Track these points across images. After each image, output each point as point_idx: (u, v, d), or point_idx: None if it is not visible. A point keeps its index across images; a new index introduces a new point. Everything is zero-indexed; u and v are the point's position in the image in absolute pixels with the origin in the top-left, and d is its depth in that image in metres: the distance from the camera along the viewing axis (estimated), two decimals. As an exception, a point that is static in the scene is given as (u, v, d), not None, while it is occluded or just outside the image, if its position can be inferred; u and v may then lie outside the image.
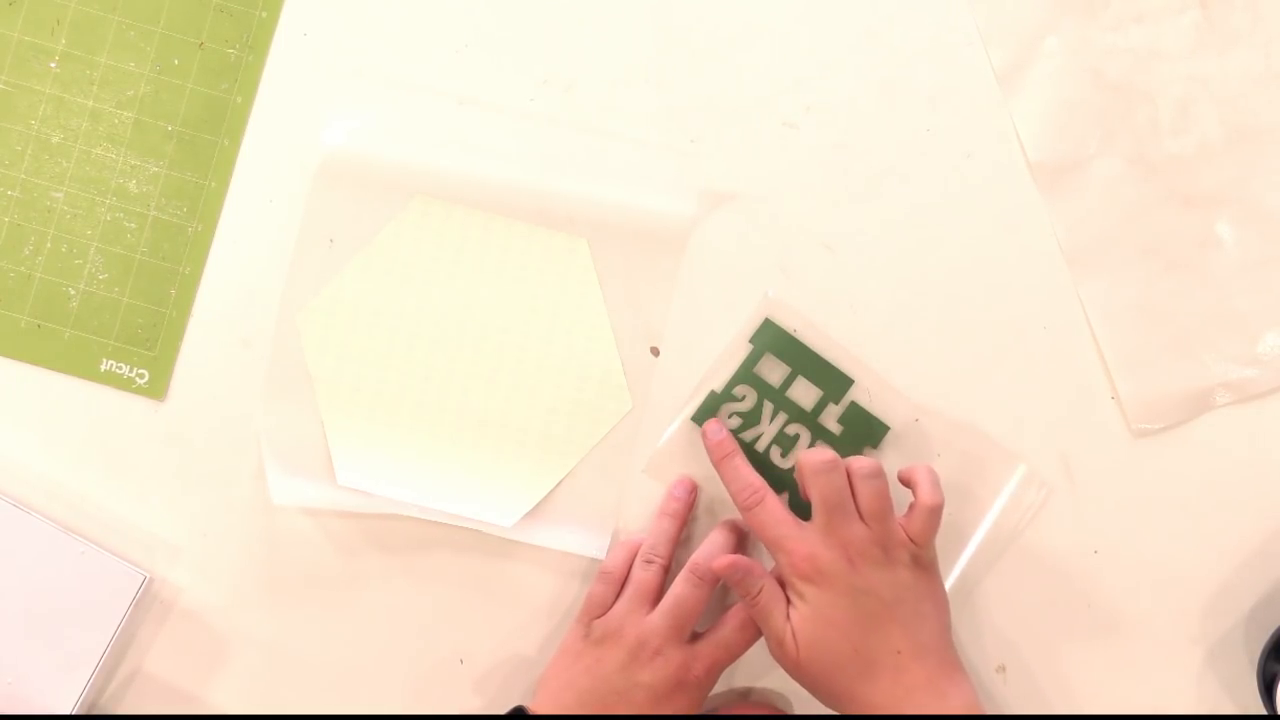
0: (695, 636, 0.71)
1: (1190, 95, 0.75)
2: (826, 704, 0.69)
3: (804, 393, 0.75)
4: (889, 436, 0.75)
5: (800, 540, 0.68)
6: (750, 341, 0.75)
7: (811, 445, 0.75)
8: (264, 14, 0.77)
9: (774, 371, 0.75)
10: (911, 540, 0.68)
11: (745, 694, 0.76)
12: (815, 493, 0.68)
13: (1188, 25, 0.76)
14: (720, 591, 0.75)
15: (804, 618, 0.67)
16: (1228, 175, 0.75)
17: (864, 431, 0.75)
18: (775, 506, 0.70)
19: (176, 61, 0.76)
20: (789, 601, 0.68)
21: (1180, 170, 0.75)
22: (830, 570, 0.67)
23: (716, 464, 0.73)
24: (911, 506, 0.69)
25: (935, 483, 0.69)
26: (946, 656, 0.68)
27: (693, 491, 0.75)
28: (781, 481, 0.75)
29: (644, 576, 0.72)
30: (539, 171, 0.76)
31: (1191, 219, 0.75)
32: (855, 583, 0.67)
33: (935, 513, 0.69)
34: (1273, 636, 0.72)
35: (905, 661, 0.67)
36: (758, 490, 0.70)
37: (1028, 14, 0.76)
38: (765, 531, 0.69)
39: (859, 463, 0.69)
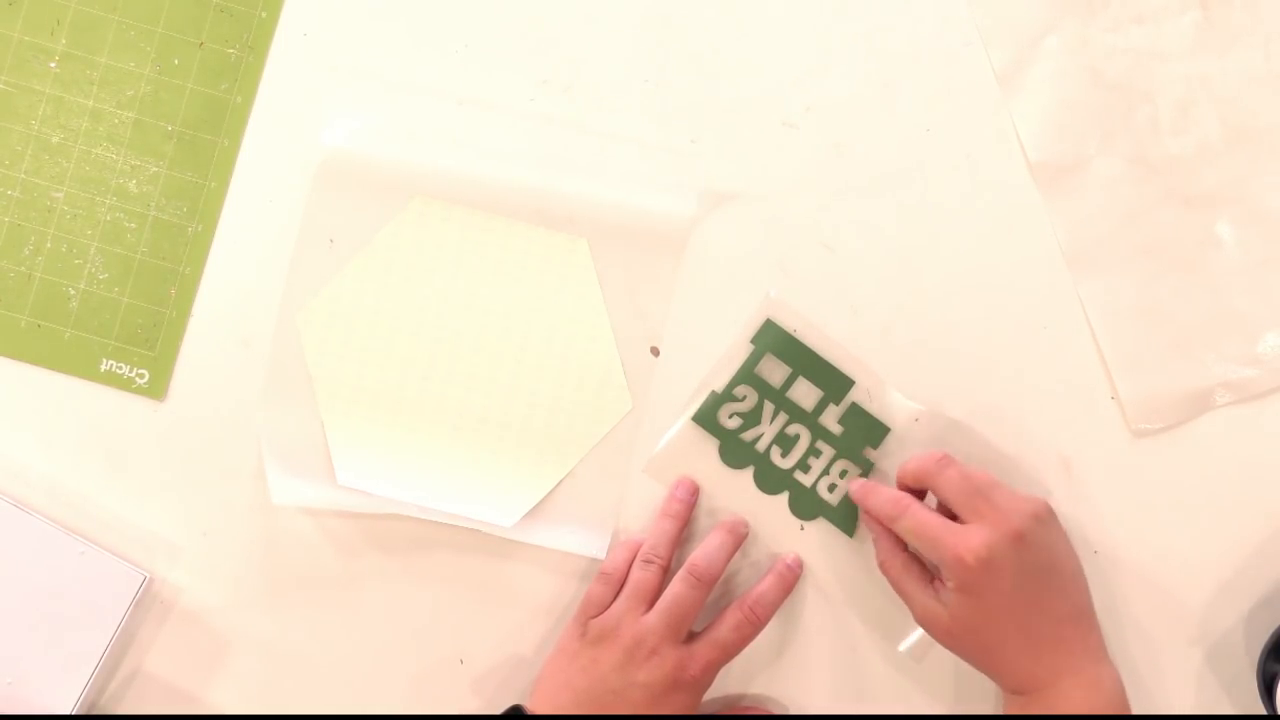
0: (691, 636, 0.71)
1: (1190, 95, 0.75)
2: (975, 667, 0.69)
3: (805, 393, 0.75)
4: (889, 437, 0.75)
5: (962, 535, 0.66)
6: (751, 342, 0.75)
7: (811, 445, 0.75)
8: (264, 14, 0.77)
9: (775, 372, 0.75)
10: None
11: (743, 694, 0.76)
12: (947, 489, 0.68)
13: (1188, 25, 0.75)
14: (717, 591, 0.75)
15: (970, 609, 0.66)
16: (1228, 175, 0.75)
17: (864, 432, 0.75)
18: (922, 510, 0.69)
19: (176, 61, 0.76)
20: (943, 586, 0.68)
21: (1180, 170, 0.75)
22: (999, 559, 0.66)
23: (859, 499, 0.73)
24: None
25: None
26: (1094, 617, 0.68)
27: (694, 493, 0.75)
28: (782, 482, 0.75)
29: (643, 577, 0.72)
30: (539, 172, 0.76)
31: (1191, 219, 0.75)
32: (1023, 562, 0.66)
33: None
34: (1273, 636, 0.72)
35: (1066, 631, 0.67)
36: (900, 500, 0.70)
37: (1028, 14, 0.76)
38: (923, 533, 0.68)
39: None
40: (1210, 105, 0.75)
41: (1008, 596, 0.66)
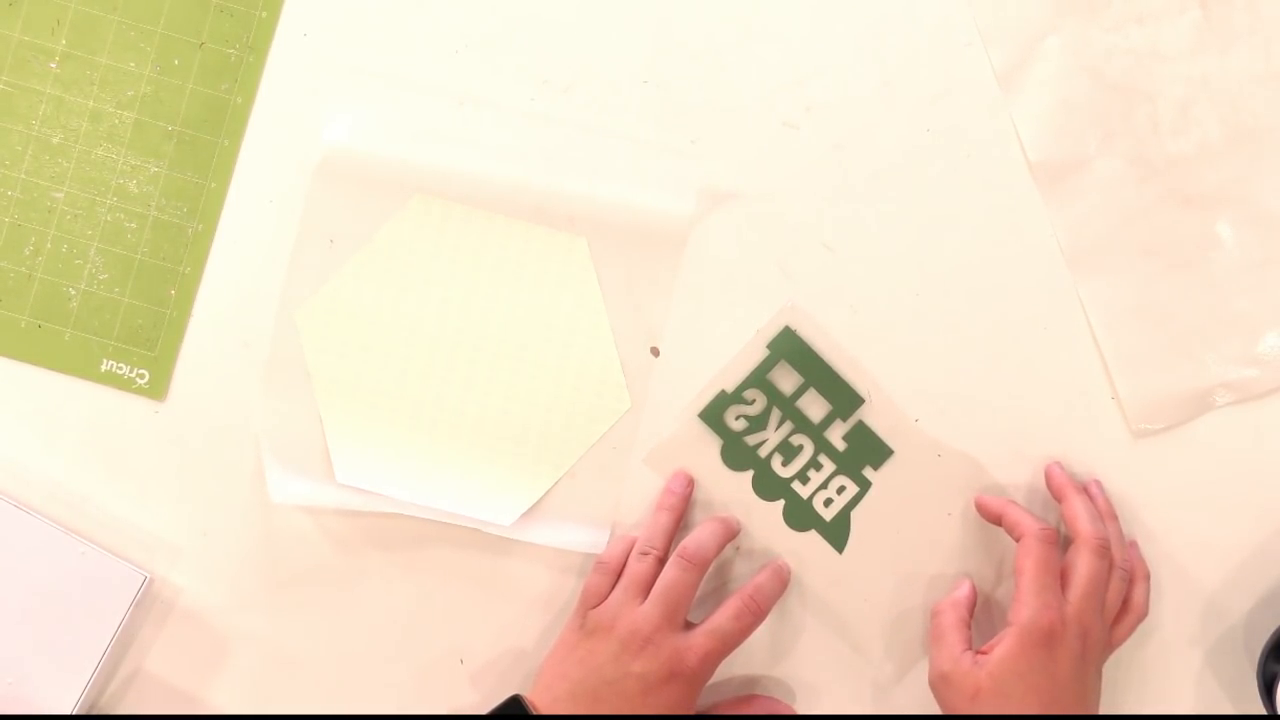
0: (690, 626, 0.71)
1: (1190, 95, 0.75)
2: None
3: (813, 405, 0.75)
4: (890, 460, 0.75)
5: (1058, 601, 0.68)
6: (768, 347, 0.75)
7: (813, 458, 0.75)
8: (264, 14, 0.77)
9: (787, 380, 0.75)
10: (1111, 644, 0.71)
11: (747, 691, 0.76)
12: (1084, 571, 0.69)
13: (1188, 25, 0.75)
14: (719, 583, 0.75)
15: (1013, 673, 0.67)
16: (1228, 175, 0.75)
17: (867, 451, 0.75)
18: (1057, 556, 0.70)
19: (176, 61, 0.76)
20: (978, 653, 0.69)
21: (1180, 170, 0.75)
22: (1062, 646, 0.67)
23: (997, 508, 0.73)
24: (1128, 608, 0.71)
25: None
26: None
27: (689, 485, 0.75)
28: (779, 490, 0.75)
29: (639, 568, 0.72)
30: (539, 171, 0.76)
31: (1191, 219, 0.75)
32: (1077, 672, 0.67)
33: (1141, 620, 0.72)
34: (1273, 636, 0.72)
35: None
36: (1053, 530, 0.70)
37: (1028, 14, 0.76)
38: (1041, 569, 0.68)
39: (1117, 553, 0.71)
40: (1210, 105, 0.75)
41: (1044, 682, 0.67)
